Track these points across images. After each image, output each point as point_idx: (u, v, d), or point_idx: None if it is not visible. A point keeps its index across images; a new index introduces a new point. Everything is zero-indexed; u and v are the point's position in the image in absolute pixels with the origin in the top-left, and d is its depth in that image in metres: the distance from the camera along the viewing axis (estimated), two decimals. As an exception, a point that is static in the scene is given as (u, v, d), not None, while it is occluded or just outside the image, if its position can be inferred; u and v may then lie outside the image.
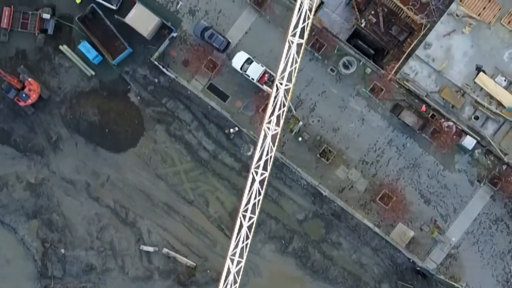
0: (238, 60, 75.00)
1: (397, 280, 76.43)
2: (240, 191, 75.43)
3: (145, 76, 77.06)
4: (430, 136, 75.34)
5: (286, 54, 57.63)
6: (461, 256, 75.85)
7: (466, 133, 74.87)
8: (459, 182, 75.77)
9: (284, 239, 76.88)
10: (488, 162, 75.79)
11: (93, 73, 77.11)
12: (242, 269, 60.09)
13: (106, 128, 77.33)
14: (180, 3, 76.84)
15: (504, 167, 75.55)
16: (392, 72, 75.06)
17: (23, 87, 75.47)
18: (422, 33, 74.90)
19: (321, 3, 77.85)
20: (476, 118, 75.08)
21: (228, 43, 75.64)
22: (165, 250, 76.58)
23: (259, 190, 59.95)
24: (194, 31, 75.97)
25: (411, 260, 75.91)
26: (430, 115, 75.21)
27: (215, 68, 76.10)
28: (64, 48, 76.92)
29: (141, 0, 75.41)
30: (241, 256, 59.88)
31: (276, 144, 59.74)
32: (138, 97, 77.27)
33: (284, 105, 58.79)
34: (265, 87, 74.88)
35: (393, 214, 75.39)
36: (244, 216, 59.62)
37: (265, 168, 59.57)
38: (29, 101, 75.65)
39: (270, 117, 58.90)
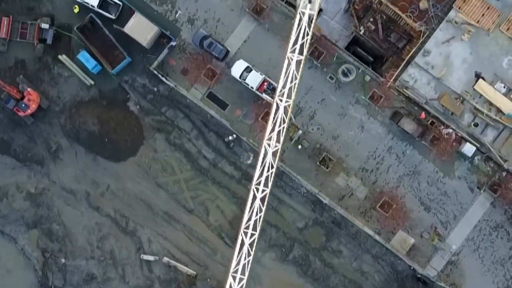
0: (237, 68, 75.02)
1: (398, 287, 76.40)
2: (240, 199, 76.02)
3: (145, 85, 77.10)
4: (429, 143, 75.36)
5: (286, 71, 57.29)
6: (461, 263, 75.87)
7: (466, 140, 74.89)
8: (459, 189, 75.78)
9: (284, 247, 76.89)
10: (488, 168, 75.79)
11: (92, 82, 77.14)
12: (244, 286, 59.80)
13: (105, 137, 77.37)
14: (179, 12, 76.88)
15: (504, 173, 75.57)
16: (392, 80, 75.11)
17: (23, 97, 75.54)
18: (421, 40, 74.96)
19: (320, 10, 77.82)
20: (476, 125, 75.08)
21: (227, 51, 75.69)
22: (165, 259, 76.59)
23: (260, 207, 59.57)
24: (193, 40, 75.99)
25: (412, 268, 75.94)
26: (429, 122, 75.25)
27: (214, 76, 76.14)
28: (63, 57, 76.98)
29: (139, 9, 75.47)
30: (243, 273, 59.57)
31: (277, 160, 59.47)
32: (138, 106, 77.29)
33: (284, 122, 58.48)
34: (264, 96, 74.89)
35: (393, 222, 75.43)
36: (245, 233, 59.19)
37: (266, 185, 59.23)
38: (29, 111, 75.71)
39: (270, 133, 58.51)
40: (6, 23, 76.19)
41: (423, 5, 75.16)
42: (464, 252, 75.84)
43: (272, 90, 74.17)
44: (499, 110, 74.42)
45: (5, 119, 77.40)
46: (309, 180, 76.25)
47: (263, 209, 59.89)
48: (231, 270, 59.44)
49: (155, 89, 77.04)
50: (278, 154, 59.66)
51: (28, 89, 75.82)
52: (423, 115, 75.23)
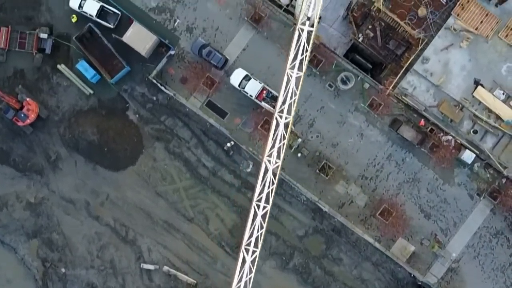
0: (236, 77, 75.00)
1: (398, 295, 76.62)
2: (240, 207, 76.01)
3: (144, 94, 77.08)
4: (429, 150, 75.32)
5: (285, 87, 57.09)
6: (462, 270, 75.82)
7: (465, 147, 74.86)
8: (459, 196, 75.75)
9: (284, 255, 76.84)
10: (488, 175, 75.77)
11: (91, 91, 77.12)
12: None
13: (105, 147, 77.33)
14: (178, 21, 76.88)
15: (504, 180, 75.55)
16: (391, 87, 75.08)
17: (22, 107, 75.54)
18: (419, 48, 74.92)
19: (319, 18, 77.66)
20: (475, 132, 75.07)
21: (226, 60, 75.67)
22: (165, 268, 76.53)
23: (261, 224, 59.34)
24: (192, 49, 75.96)
25: (412, 275, 75.88)
26: (429, 129, 75.25)
27: (213, 85, 76.14)
28: (62, 67, 76.95)
29: (138, 18, 75.48)
30: None
31: (277, 177, 59.22)
32: (137, 115, 77.26)
33: (284, 138, 58.25)
34: (263, 104, 74.86)
35: (394, 229, 75.41)
36: (247, 250, 58.88)
37: (267, 201, 58.96)
38: (28, 121, 75.71)
39: (270, 150, 58.22)
40: (5, 33, 76.19)
41: (421, 12, 75.17)
42: (464, 259, 75.81)
43: (271, 98, 74.17)
44: (498, 117, 74.43)
45: (4, 129, 77.39)
46: (309, 188, 76.23)
47: (264, 225, 59.61)
48: (233, 287, 59.10)
49: (154, 98, 77.02)
50: (278, 171, 59.24)
51: (27, 99, 75.82)
52: (422, 122, 75.22)
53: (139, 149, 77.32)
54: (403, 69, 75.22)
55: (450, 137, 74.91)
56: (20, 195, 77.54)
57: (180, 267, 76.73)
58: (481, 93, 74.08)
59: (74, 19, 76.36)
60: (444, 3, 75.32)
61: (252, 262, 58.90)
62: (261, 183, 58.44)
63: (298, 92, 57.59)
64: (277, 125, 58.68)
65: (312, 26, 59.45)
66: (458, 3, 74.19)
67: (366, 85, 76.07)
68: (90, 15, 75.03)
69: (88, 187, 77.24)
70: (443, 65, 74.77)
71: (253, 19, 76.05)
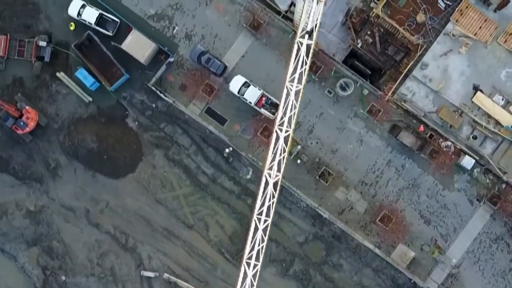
0: (235, 84, 74.97)
1: (399, 301, 76.62)
2: (240, 214, 76.00)
3: (143, 102, 77.05)
4: (428, 156, 75.33)
5: (285, 101, 56.90)
6: (462, 275, 75.83)
7: (465, 153, 74.89)
8: (458, 202, 75.77)
9: (284, 262, 76.81)
10: (487, 181, 75.77)
11: (90, 99, 77.07)
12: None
13: (104, 154, 77.28)
14: (176, 28, 76.87)
15: (504, 185, 75.58)
16: (390, 93, 75.11)
17: (21, 115, 75.47)
18: (418, 54, 74.98)
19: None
20: (475, 137, 75.08)
21: (225, 67, 75.66)
22: (165, 275, 76.50)
23: (262, 237, 59.17)
24: (191, 56, 75.94)
25: (412, 281, 75.91)
26: (428, 135, 75.27)
27: (213, 92, 76.14)
28: (61, 75, 76.91)
29: (137, 26, 75.46)
30: None
31: (278, 190, 59.11)
32: (136, 123, 77.23)
33: (284, 151, 58.05)
34: (262, 110, 74.85)
35: (394, 235, 75.43)
36: (248, 264, 58.59)
37: (267, 215, 58.76)
38: (27, 129, 75.61)
39: (271, 163, 57.98)
40: (4, 41, 76.03)
41: (420, 18, 75.21)
42: (465, 265, 75.84)
43: (270, 105, 74.19)
44: (497, 123, 74.47)
45: (3, 137, 77.28)
46: (308, 194, 76.22)
47: (266, 239, 59.43)
48: None
49: (154, 105, 76.99)
50: (279, 184, 59.11)
51: (27, 107, 75.77)
52: (421, 128, 75.25)
53: (138, 156, 77.29)
54: (402, 75, 75.25)
55: (449, 143, 74.95)
56: (20, 203, 77.48)
57: (180, 274, 76.68)
58: (480, 99, 74.11)
59: (72, 27, 76.27)
60: (443, 8, 75.39)
61: (254, 275, 58.59)
62: (262, 197, 58.10)
63: (297, 105, 57.37)
64: (277, 138, 58.35)
65: (311, 36, 59.24)
66: (457, 8, 74.25)
67: (365, 91, 76.07)
68: (89, 22, 74.99)
69: (88, 195, 77.20)
70: (442, 70, 74.79)
71: (252, 26, 76.03)
